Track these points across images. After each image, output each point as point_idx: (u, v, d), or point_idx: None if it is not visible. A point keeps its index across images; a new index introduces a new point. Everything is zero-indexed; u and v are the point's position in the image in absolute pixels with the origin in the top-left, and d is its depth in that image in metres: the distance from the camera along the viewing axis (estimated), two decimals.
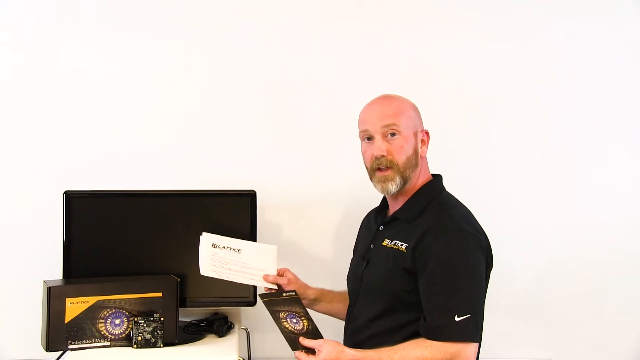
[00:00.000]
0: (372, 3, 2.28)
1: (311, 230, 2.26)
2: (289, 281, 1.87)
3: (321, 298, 1.94)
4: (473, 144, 2.29)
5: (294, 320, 1.69)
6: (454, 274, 1.58)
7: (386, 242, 1.71)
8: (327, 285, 2.01)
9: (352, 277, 1.86)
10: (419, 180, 1.74)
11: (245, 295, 2.01)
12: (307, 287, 1.92)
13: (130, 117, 2.22)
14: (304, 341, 1.64)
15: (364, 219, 1.96)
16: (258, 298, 1.88)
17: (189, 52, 2.24)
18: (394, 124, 1.68)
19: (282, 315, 1.70)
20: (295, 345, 1.68)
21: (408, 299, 1.63)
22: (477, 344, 1.58)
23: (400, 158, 1.68)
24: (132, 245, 1.98)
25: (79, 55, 2.21)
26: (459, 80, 2.28)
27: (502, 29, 2.28)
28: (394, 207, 1.78)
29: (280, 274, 1.89)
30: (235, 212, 2.02)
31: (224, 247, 1.85)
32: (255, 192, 2.03)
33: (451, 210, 1.68)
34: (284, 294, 1.72)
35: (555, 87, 2.30)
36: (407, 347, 1.56)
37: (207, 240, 1.84)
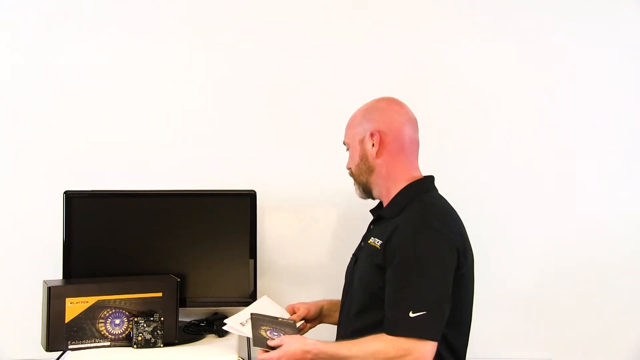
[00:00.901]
0: (372, 3, 2.27)
1: (311, 230, 2.26)
2: (305, 315, 1.90)
3: (329, 312, 1.95)
4: (473, 144, 2.28)
5: (275, 333, 1.71)
6: (414, 271, 1.59)
7: (371, 239, 1.74)
8: (326, 285, 2.02)
9: (346, 275, 1.89)
10: (398, 181, 1.75)
11: (245, 295, 2.01)
12: (317, 307, 1.93)
13: (131, 117, 2.22)
14: (270, 342, 1.65)
15: None
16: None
17: (189, 52, 2.24)
18: (345, 142, 1.85)
19: (265, 326, 1.73)
20: (260, 343, 1.68)
21: (382, 296, 1.64)
22: (433, 343, 1.56)
23: (352, 167, 1.82)
24: (132, 245, 1.98)
25: (79, 55, 2.21)
26: (459, 80, 2.28)
27: (502, 29, 2.28)
28: (383, 206, 1.81)
29: (290, 311, 1.90)
30: (235, 212, 2.02)
31: (244, 321, 1.79)
32: (255, 192, 2.03)
33: (425, 209, 1.69)
34: (279, 318, 1.78)
35: (555, 87, 2.30)
36: (366, 340, 1.58)
37: (233, 324, 1.77)
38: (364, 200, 1.86)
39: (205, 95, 2.24)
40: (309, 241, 2.26)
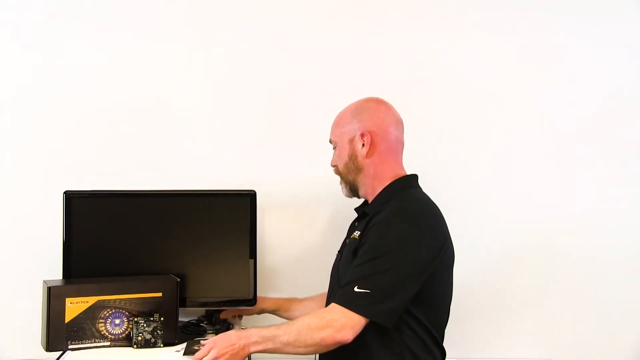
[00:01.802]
0: (372, 3, 2.28)
1: (311, 230, 2.26)
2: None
3: (279, 309, 2.03)
4: (472, 143, 2.28)
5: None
6: (374, 254, 1.61)
7: (354, 234, 1.77)
8: (326, 284, 2.02)
9: (332, 272, 1.90)
10: (383, 179, 1.77)
11: (245, 295, 2.01)
12: (263, 302, 2.02)
13: (130, 117, 2.22)
14: (202, 342, 1.69)
15: None
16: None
17: (189, 52, 2.24)
18: (331, 139, 1.86)
19: (197, 346, 1.75)
20: (190, 351, 1.71)
21: None
22: (360, 318, 1.56)
23: (340, 165, 1.83)
24: (132, 245, 1.98)
25: (79, 54, 2.21)
26: (458, 79, 2.28)
27: (502, 28, 2.28)
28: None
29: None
30: (235, 212, 2.02)
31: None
32: (255, 192, 2.03)
33: (404, 203, 1.70)
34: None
35: (555, 87, 2.30)
36: (295, 320, 1.63)
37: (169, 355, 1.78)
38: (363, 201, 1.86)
39: (205, 95, 2.24)
40: (309, 241, 2.26)
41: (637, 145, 2.31)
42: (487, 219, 2.26)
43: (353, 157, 1.78)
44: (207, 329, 2.01)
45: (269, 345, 1.60)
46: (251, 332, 1.63)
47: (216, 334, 1.96)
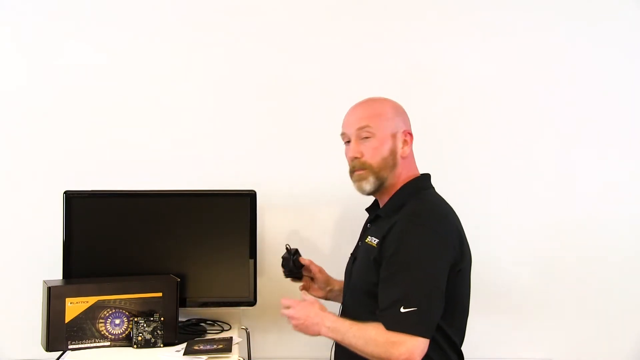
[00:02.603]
0: (372, 3, 2.28)
1: (311, 230, 2.27)
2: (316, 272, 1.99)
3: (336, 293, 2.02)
4: (472, 143, 2.28)
5: (208, 346, 1.80)
6: (407, 266, 1.60)
7: (368, 238, 1.74)
8: None
9: (345, 274, 1.90)
10: (400, 178, 1.76)
11: (245, 295, 2.01)
12: (328, 281, 2.01)
13: (131, 117, 2.22)
14: (283, 300, 1.73)
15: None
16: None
17: (189, 52, 2.24)
18: (368, 126, 1.73)
19: (199, 344, 1.80)
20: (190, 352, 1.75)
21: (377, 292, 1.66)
22: (423, 339, 1.56)
23: (375, 159, 1.72)
24: (132, 245, 1.98)
25: (79, 55, 2.21)
26: (459, 80, 2.28)
27: (502, 28, 2.28)
28: (381, 205, 1.81)
29: (309, 265, 1.99)
30: (235, 212, 2.02)
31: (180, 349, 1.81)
32: (255, 192, 2.03)
33: (422, 206, 1.70)
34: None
35: (555, 87, 2.30)
36: (365, 325, 1.61)
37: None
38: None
39: (205, 95, 2.24)
40: (309, 241, 2.26)
41: (637, 145, 2.31)
42: (487, 219, 2.26)
43: (394, 153, 1.74)
44: (207, 329, 2.02)
45: (337, 337, 1.64)
46: (329, 316, 1.66)
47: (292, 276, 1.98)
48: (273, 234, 2.21)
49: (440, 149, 2.24)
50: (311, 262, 1.99)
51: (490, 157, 2.29)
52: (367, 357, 1.60)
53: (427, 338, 1.57)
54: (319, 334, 1.67)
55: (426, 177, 1.80)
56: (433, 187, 1.80)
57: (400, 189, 1.75)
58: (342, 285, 1.93)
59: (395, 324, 1.56)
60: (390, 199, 1.75)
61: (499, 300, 2.27)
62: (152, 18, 2.23)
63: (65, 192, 1.94)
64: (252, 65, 2.24)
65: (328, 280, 2.00)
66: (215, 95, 2.25)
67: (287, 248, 1.96)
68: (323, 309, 1.69)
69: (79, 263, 1.94)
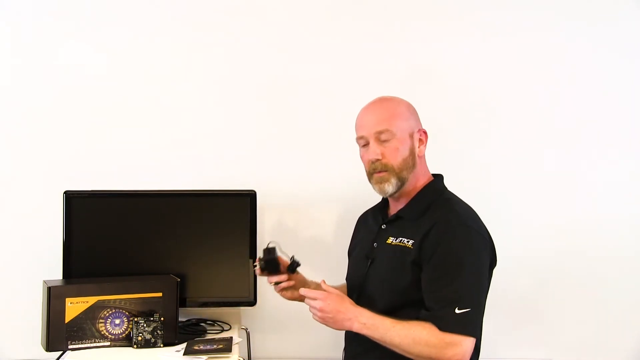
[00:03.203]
0: (372, 3, 2.27)
1: (311, 230, 2.26)
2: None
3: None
4: (473, 143, 2.29)
5: (208, 346, 1.79)
6: (458, 267, 1.61)
7: (390, 239, 1.73)
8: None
9: (354, 276, 1.87)
10: (419, 180, 1.77)
11: (245, 295, 2.01)
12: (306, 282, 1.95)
13: (131, 117, 2.22)
14: (304, 291, 1.68)
15: (360, 219, 1.98)
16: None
17: (189, 52, 2.24)
18: (387, 130, 1.71)
19: (199, 344, 1.80)
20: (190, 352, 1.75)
21: (413, 295, 1.65)
22: (474, 339, 1.59)
23: (396, 160, 1.72)
24: (132, 245, 1.98)
25: (79, 55, 2.21)
26: (459, 80, 2.28)
27: (502, 28, 2.28)
28: (396, 206, 1.80)
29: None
30: (235, 212, 2.02)
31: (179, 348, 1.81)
32: (255, 192, 2.03)
33: (457, 206, 1.72)
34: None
35: (555, 87, 2.30)
36: (410, 324, 1.60)
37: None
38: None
39: (205, 95, 2.24)
40: (309, 241, 2.26)
41: (637, 145, 2.31)
42: (487, 219, 2.25)
43: (412, 152, 1.74)
44: (207, 329, 2.02)
45: (375, 335, 1.62)
46: (364, 312, 1.64)
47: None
48: (273, 234, 2.21)
49: (440, 149, 2.23)
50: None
51: (490, 157, 2.29)
52: (410, 356, 1.60)
53: (477, 337, 1.61)
54: (349, 329, 1.65)
55: (442, 178, 1.83)
56: (446, 188, 1.82)
57: (422, 190, 1.76)
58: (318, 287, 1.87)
59: (451, 325, 1.57)
60: (413, 200, 1.75)
61: (498, 300, 2.27)
62: (152, 18, 2.23)
63: (65, 192, 1.94)
64: (252, 65, 2.24)
65: (305, 281, 1.93)
66: (215, 95, 2.25)
67: (269, 248, 1.84)
68: (353, 304, 1.67)
69: (79, 263, 1.94)
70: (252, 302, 2.02)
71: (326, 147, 2.23)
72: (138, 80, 2.22)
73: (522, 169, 2.29)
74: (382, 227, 1.81)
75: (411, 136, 1.74)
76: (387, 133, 1.71)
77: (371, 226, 1.86)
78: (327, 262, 2.22)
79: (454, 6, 2.28)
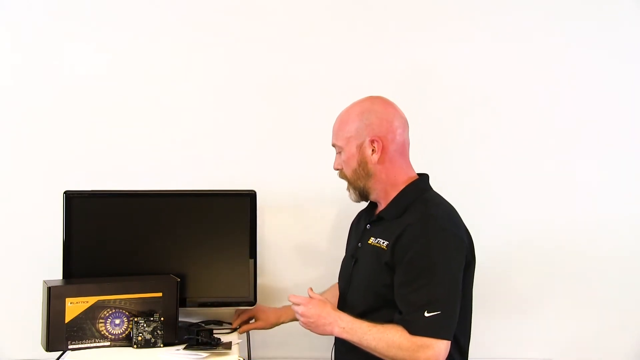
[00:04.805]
0: (373, 3, 2.27)
1: (311, 230, 2.27)
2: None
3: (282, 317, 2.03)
4: (473, 143, 2.29)
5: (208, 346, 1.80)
6: (428, 270, 1.60)
7: (371, 240, 1.74)
8: (325, 284, 2.02)
9: (342, 276, 1.89)
10: (397, 182, 1.74)
11: (245, 295, 2.01)
12: (277, 315, 2.04)
13: (130, 117, 2.22)
14: (292, 298, 1.73)
15: (354, 219, 1.98)
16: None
17: (189, 52, 2.24)
18: (335, 144, 1.80)
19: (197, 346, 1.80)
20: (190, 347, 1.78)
21: (390, 296, 1.65)
22: (447, 342, 1.58)
23: (348, 172, 1.77)
24: (132, 245, 1.98)
25: (79, 55, 2.21)
26: (459, 80, 2.28)
27: (502, 29, 2.28)
28: (380, 207, 1.80)
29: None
30: (235, 212, 2.02)
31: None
32: (255, 192, 2.03)
33: (433, 209, 1.70)
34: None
35: (555, 87, 2.30)
36: (385, 328, 1.61)
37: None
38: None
39: (205, 95, 2.24)
40: (309, 241, 2.26)
41: (637, 145, 2.31)
42: (487, 219, 2.26)
43: (363, 163, 1.73)
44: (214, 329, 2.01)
45: (354, 338, 1.64)
46: (343, 317, 1.66)
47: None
48: (273, 234, 2.21)
49: (440, 149, 2.24)
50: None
51: (490, 157, 2.29)
52: (387, 359, 1.60)
53: (450, 340, 1.59)
54: (331, 334, 1.67)
55: (425, 179, 1.80)
56: (432, 188, 1.80)
57: (402, 191, 1.74)
58: (292, 315, 1.91)
59: (420, 329, 1.57)
60: (393, 201, 1.74)
61: (498, 300, 2.27)
62: (152, 18, 2.23)
63: (65, 192, 1.94)
64: (252, 65, 2.24)
65: (278, 316, 2.03)
66: (215, 95, 2.25)
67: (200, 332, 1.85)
68: (334, 308, 1.69)
69: (79, 263, 1.94)
70: (252, 302, 2.02)
71: (326, 147, 2.22)
72: (138, 80, 2.22)
73: (522, 169, 2.29)
74: (367, 227, 1.81)
75: (359, 147, 1.73)
76: (337, 147, 1.79)
77: (360, 226, 1.87)
78: (327, 261, 2.22)
79: (454, 6, 2.28)
